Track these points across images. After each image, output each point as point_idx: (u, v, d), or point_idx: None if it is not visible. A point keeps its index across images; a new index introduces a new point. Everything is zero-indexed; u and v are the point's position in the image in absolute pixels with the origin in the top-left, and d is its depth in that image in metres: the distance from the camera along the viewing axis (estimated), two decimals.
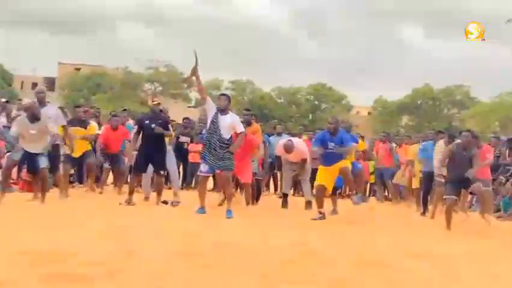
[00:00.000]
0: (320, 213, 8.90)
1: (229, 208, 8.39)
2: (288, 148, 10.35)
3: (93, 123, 11.28)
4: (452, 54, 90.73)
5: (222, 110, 8.45)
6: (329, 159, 8.92)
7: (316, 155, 9.15)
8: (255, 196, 10.53)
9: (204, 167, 8.57)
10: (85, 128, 10.66)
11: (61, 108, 11.79)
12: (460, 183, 8.61)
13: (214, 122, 8.43)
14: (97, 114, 13.54)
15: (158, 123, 9.38)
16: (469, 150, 8.60)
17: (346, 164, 9.03)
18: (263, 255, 5.38)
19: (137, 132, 9.59)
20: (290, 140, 10.67)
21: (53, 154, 9.23)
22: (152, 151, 9.39)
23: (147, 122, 9.42)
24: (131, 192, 9.28)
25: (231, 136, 8.52)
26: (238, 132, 8.49)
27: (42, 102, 9.27)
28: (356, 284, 4.53)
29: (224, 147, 8.39)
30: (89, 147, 10.74)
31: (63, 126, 9.50)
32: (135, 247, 5.31)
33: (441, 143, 10.35)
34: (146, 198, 10.20)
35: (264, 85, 64.48)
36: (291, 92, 63.91)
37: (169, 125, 9.71)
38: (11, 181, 9.95)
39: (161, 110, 11.49)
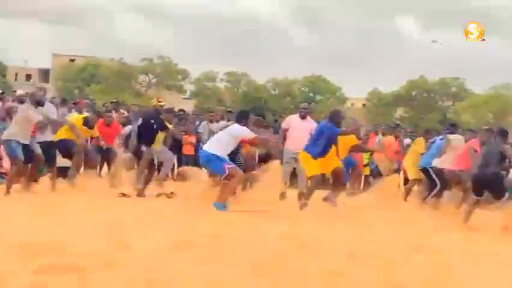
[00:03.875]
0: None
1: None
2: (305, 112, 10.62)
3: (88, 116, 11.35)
4: (448, 46, 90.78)
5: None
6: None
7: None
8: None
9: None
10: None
11: (53, 98, 11.84)
12: None
13: None
14: (93, 106, 13.57)
15: (158, 122, 9.75)
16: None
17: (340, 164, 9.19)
18: (257, 247, 5.41)
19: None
20: None
21: (52, 147, 9.48)
22: (144, 145, 9.63)
23: (152, 121, 9.73)
24: (146, 182, 9.53)
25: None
26: None
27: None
28: (349, 275, 4.55)
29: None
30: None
31: None
32: (131, 239, 5.33)
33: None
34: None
35: (259, 77, 64.36)
36: (286, 84, 63.80)
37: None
38: (3, 171, 9.99)
39: (159, 113, 11.40)
